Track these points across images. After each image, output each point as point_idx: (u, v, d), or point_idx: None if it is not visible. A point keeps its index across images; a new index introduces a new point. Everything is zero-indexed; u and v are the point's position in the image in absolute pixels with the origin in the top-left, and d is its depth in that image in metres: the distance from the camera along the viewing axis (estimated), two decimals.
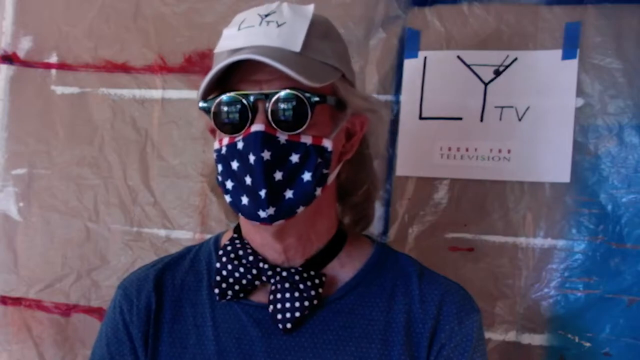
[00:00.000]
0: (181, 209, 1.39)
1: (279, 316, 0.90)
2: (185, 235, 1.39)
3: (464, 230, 1.24)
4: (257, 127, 0.83)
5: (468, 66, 1.24)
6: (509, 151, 1.22)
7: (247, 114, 0.84)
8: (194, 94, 1.05)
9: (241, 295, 0.93)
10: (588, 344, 1.17)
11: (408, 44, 1.28)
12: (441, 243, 1.25)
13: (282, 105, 0.83)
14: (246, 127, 0.84)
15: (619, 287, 1.16)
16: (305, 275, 0.91)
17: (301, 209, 0.86)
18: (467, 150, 1.24)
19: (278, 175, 0.84)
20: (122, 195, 1.42)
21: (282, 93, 0.83)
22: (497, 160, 1.22)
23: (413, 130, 1.26)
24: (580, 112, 1.19)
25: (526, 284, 1.21)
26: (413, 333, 0.91)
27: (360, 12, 1.30)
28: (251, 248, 0.94)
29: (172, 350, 0.94)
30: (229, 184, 0.88)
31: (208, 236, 1.12)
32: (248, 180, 0.85)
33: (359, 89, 1.18)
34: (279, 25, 0.85)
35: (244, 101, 0.84)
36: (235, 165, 0.86)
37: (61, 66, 1.47)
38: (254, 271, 0.92)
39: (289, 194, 0.85)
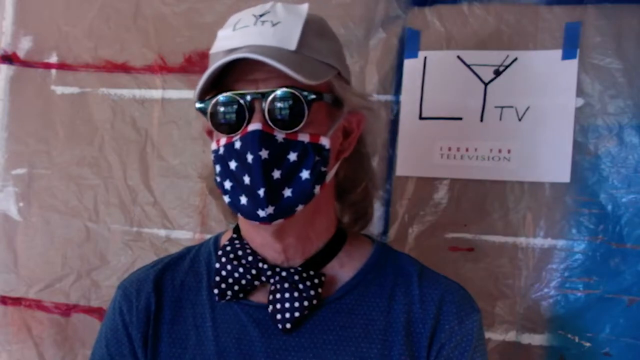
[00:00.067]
0: (181, 209, 1.39)
1: (279, 316, 0.90)
2: (185, 236, 1.39)
3: (464, 230, 1.24)
4: (254, 126, 0.83)
5: (468, 66, 1.24)
6: (509, 151, 1.22)
7: (244, 113, 0.84)
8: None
9: (241, 295, 0.93)
10: (588, 344, 1.17)
11: (408, 44, 1.27)
12: (441, 243, 1.25)
13: (278, 104, 0.83)
14: (243, 127, 0.84)
15: (619, 287, 1.16)
16: (304, 275, 0.91)
17: (300, 207, 0.86)
18: (467, 150, 1.24)
19: (276, 174, 0.84)
20: (122, 195, 1.42)
21: (279, 92, 0.83)
22: (497, 160, 1.22)
23: (413, 130, 1.26)
24: (580, 112, 1.18)
25: (526, 284, 1.21)
26: (413, 333, 0.91)
27: (360, 12, 1.30)
28: (250, 248, 0.94)
29: (172, 350, 0.94)
30: (228, 184, 0.88)
31: (208, 236, 1.12)
32: (247, 179, 0.84)
33: (359, 89, 1.19)
34: (273, 25, 0.85)
35: (241, 101, 0.84)
36: (233, 165, 0.86)
37: (61, 66, 1.47)
38: (254, 271, 0.92)
39: (287, 192, 0.85)
